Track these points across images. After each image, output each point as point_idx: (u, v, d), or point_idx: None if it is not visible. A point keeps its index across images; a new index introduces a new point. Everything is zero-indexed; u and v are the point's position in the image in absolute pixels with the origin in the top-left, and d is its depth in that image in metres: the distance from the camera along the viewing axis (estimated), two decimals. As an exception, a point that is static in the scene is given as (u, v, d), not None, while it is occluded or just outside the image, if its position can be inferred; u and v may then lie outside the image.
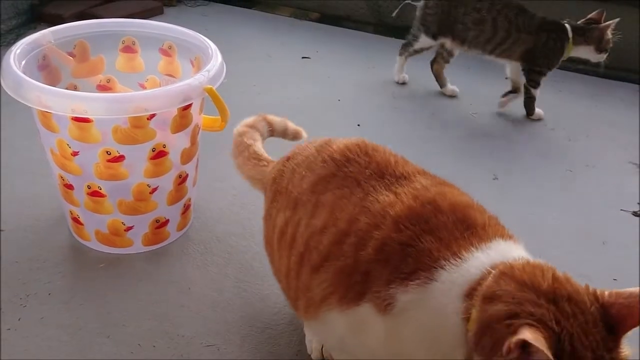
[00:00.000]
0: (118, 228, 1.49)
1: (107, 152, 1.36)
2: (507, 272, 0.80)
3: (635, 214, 1.80)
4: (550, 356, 0.67)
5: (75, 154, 1.37)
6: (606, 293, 0.76)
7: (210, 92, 1.37)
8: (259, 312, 1.39)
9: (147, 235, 1.52)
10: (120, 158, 1.37)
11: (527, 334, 0.68)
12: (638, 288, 0.74)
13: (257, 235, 1.61)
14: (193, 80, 1.36)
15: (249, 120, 1.45)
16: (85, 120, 1.30)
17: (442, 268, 0.85)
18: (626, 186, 1.93)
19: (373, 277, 0.90)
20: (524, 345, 0.69)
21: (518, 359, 0.69)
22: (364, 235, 0.93)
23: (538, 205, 1.82)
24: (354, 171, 1.02)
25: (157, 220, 1.51)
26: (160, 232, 1.54)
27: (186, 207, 1.58)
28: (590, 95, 2.49)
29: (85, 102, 1.27)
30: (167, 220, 1.53)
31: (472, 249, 0.86)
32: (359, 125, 2.17)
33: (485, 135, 2.17)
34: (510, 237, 0.92)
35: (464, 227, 0.89)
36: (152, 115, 1.33)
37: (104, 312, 1.37)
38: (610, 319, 0.74)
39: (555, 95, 2.47)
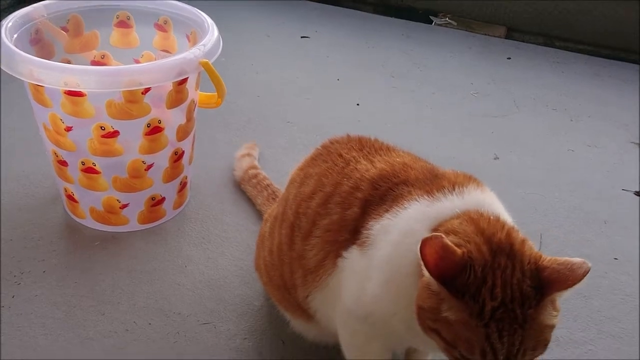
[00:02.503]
0: (113, 205, 1.46)
1: (101, 127, 1.33)
2: (473, 218, 0.86)
3: (637, 193, 1.78)
4: (431, 268, 0.77)
5: (68, 129, 1.34)
6: (547, 258, 0.82)
7: (206, 66, 1.34)
8: (255, 290, 1.37)
9: (142, 213, 1.50)
10: (114, 134, 1.34)
11: (433, 241, 0.78)
12: (575, 258, 0.80)
13: (254, 215, 1.59)
14: (188, 54, 1.33)
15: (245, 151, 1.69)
16: (78, 94, 1.28)
17: (415, 201, 0.92)
18: (628, 166, 1.91)
19: (359, 229, 0.96)
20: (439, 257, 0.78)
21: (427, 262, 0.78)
22: (347, 197, 1.00)
23: (539, 184, 1.80)
24: (337, 147, 1.11)
25: (152, 198, 1.49)
26: (156, 210, 1.52)
27: (182, 185, 1.56)
28: (592, 75, 2.46)
29: (78, 75, 1.24)
30: (163, 198, 1.51)
31: (446, 191, 0.92)
32: (358, 104, 2.14)
33: (485, 115, 2.14)
34: (484, 188, 0.96)
35: (433, 175, 0.98)
36: (147, 90, 1.31)
37: (98, 290, 1.36)
38: (541, 281, 0.80)
39: (558, 76, 2.44)
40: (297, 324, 1.19)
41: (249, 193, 1.63)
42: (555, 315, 0.81)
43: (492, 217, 0.87)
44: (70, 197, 1.49)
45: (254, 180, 1.62)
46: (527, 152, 1.95)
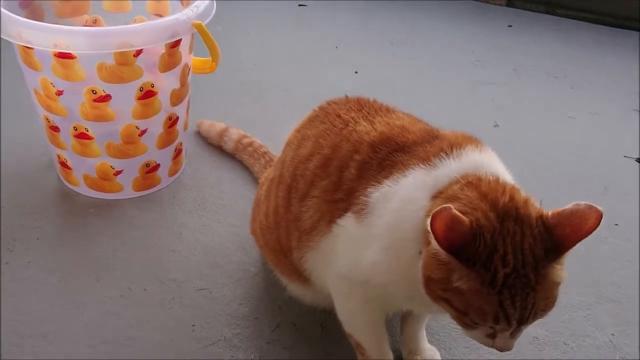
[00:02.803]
0: (107, 172, 1.44)
1: (92, 91, 1.30)
2: (474, 183, 0.84)
3: (638, 160, 1.76)
4: (440, 239, 0.75)
5: (59, 93, 1.31)
6: (550, 214, 0.80)
7: (199, 27, 1.31)
8: (252, 257, 1.36)
9: (137, 180, 1.48)
10: (106, 98, 1.32)
11: (444, 213, 0.75)
12: (576, 204, 0.78)
13: (251, 182, 1.57)
14: (181, 15, 1.30)
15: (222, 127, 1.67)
16: (68, 57, 1.25)
17: (413, 169, 0.90)
18: (629, 133, 1.89)
19: (355, 192, 0.95)
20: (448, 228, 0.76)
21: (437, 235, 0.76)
22: (346, 159, 0.98)
23: (539, 152, 1.77)
24: (335, 108, 1.09)
25: (147, 165, 1.47)
26: (151, 177, 1.50)
27: (177, 152, 1.54)
28: (594, 43, 2.42)
29: (68, 36, 1.21)
30: (158, 165, 1.49)
31: (443, 155, 0.89)
32: (356, 72, 2.11)
33: (486, 82, 2.11)
34: (483, 148, 0.93)
35: (431, 136, 0.96)
36: (139, 52, 1.28)
37: (93, 257, 1.34)
38: (554, 240, 0.78)
39: (559, 43, 2.40)
40: (294, 288, 1.18)
41: (245, 162, 1.61)
42: (561, 269, 0.81)
43: (491, 180, 0.85)
44: (64, 164, 1.47)
45: (249, 149, 1.60)
46: (527, 120, 1.93)
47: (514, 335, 0.83)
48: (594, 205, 0.78)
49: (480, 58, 2.25)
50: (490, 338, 0.83)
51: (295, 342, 1.17)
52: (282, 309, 1.23)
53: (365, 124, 1.01)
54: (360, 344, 1.03)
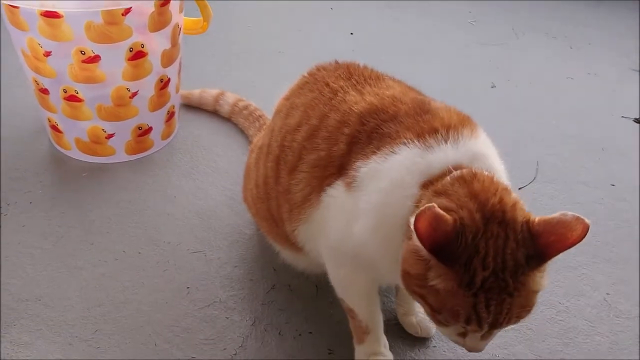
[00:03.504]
0: (99, 135, 1.42)
1: (81, 51, 1.28)
2: (467, 179, 0.81)
3: (636, 120, 1.74)
4: (424, 241, 0.73)
5: (47, 54, 1.29)
6: (536, 220, 0.77)
7: (189, -15, 1.28)
8: (246, 220, 1.35)
9: (129, 144, 1.46)
10: (95, 58, 1.29)
11: (428, 212, 0.72)
12: (563, 214, 0.76)
13: (245, 145, 1.56)
14: (170, -27, 1.27)
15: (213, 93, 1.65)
16: (55, 16, 1.22)
17: (403, 144, 0.86)
18: (627, 93, 1.87)
19: (345, 167, 0.92)
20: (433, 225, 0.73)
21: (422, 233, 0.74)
22: (334, 131, 0.95)
23: (537, 113, 1.76)
24: (324, 75, 1.06)
25: (139, 128, 1.45)
26: (144, 141, 1.48)
27: (170, 115, 1.52)
28: (594, 3, 2.38)
29: (54, -6, 1.19)
30: (150, 128, 1.47)
31: (440, 137, 0.85)
32: (352, 34, 2.08)
33: (483, 43, 2.08)
34: (478, 133, 0.89)
35: (424, 111, 0.91)
36: (127, 11, 1.25)
37: (86, 221, 1.33)
38: (537, 247, 0.76)
39: (559, 3, 2.36)
40: (287, 255, 1.17)
41: (240, 125, 1.59)
42: (542, 277, 0.78)
43: (486, 178, 0.81)
44: (55, 128, 1.45)
45: (245, 112, 1.58)
46: (525, 80, 1.90)
47: (485, 337, 0.82)
48: (581, 217, 0.75)
49: (478, 18, 2.22)
50: (461, 337, 0.83)
51: (290, 303, 1.17)
52: (277, 271, 1.23)
53: (354, 93, 0.98)
54: (352, 309, 1.03)
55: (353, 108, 0.95)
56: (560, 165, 1.56)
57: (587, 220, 0.75)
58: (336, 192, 0.93)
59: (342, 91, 1.00)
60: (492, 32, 2.14)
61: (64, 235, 1.29)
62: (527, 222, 0.77)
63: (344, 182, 0.92)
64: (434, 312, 0.80)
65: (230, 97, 1.62)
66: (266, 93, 1.71)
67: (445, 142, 0.85)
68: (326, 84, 1.03)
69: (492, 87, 1.85)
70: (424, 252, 0.75)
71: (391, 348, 1.06)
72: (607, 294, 1.23)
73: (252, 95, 1.65)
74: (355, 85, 1.00)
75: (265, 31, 2.05)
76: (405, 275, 0.81)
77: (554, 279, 1.24)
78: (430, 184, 0.82)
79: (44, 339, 1.09)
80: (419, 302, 0.83)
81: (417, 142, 0.86)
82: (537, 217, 0.78)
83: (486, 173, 0.82)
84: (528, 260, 0.76)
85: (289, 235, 1.08)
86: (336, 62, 1.09)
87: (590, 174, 1.54)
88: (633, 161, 1.59)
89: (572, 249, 1.30)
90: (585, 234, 0.75)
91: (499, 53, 2.03)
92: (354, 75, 1.03)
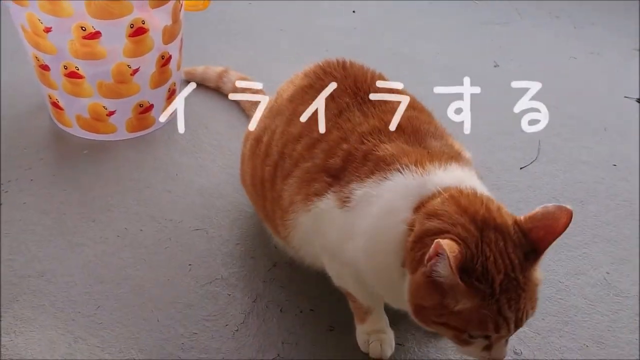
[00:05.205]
0: (99, 112, 1.42)
1: (81, 27, 1.27)
2: (455, 197, 0.85)
3: (638, 100, 1.73)
4: (453, 267, 0.76)
5: (47, 30, 1.28)
6: (523, 219, 0.84)
7: (190, -39, 1.26)
8: (247, 198, 1.34)
9: (131, 121, 1.46)
10: (96, 34, 1.28)
11: (445, 242, 0.77)
12: (544, 207, 0.82)
13: (247, 123, 1.54)
14: (171, -53, 1.25)
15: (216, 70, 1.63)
16: (55, -10, 1.21)
17: (397, 171, 0.90)
18: (630, 73, 1.86)
19: (337, 180, 0.95)
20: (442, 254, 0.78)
21: (435, 266, 0.79)
22: (333, 145, 0.98)
23: (540, 92, 1.74)
24: (329, 83, 1.04)
25: (140, 105, 1.44)
26: (145, 118, 1.48)
27: (171, 92, 1.51)
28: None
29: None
30: (152, 106, 1.47)
31: (428, 164, 0.90)
32: (354, 11, 2.06)
33: (486, 22, 2.06)
34: (465, 162, 0.95)
35: (418, 140, 0.96)
36: (128, -14, 1.24)
37: (88, 198, 1.34)
38: (531, 243, 0.82)
39: (562, -18, 2.33)
40: (284, 246, 1.17)
41: (242, 104, 1.58)
42: (537, 271, 0.84)
43: (470, 193, 0.87)
44: (55, 105, 1.44)
45: (248, 92, 1.56)
46: (528, 60, 1.89)
47: (507, 342, 0.87)
48: (563, 205, 0.81)
49: (481, -3, 2.20)
50: (487, 350, 0.86)
51: (291, 280, 1.18)
52: (278, 249, 1.23)
53: (359, 114, 1.01)
54: (350, 294, 1.05)
55: (356, 129, 0.99)
56: (562, 145, 1.56)
57: (569, 207, 0.81)
58: (327, 207, 0.95)
59: (347, 111, 1.02)
60: (495, 12, 2.12)
61: (65, 212, 1.30)
62: (516, 222, 0.84)
63: (337, 197, 0.94)
64: (459, 333, 0.84)
65: (233, 75, 1.62)
66: (268, 71, 1.71)
67: (436, 167, 0.90)
68: (332, 97, 1.03)
69: (494, 66, 1.84)
70: (450, 280, 0.79)
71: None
72: (607, 273, 1.24)
73: (253, 73, 1.64)
74: (360, 105, 1.02)
75: (266, 9, 2.04)
76: (419, 309, 0.84)
77: (555, 258, 1.25)
78: (422, 206, 0.86)
79: (46, 315, 1.10)
80: (438, 331, 0.87)
81: (407, 168, 0.90)
82: (521, 216, 0.84)
83: (470, 189, 0.88)
84: (527, 257, 0.82)
85: (284, 241, 1.10)
86: (344, 66, 1.09)
87: (591, 154, 1.54)
88: (635, 141, 1.58)
89: (572, 229, 1.31)
90: (570, 221, 0.81)
91: (502, 32, 2.01)
92: (360, 90, 1.04)
